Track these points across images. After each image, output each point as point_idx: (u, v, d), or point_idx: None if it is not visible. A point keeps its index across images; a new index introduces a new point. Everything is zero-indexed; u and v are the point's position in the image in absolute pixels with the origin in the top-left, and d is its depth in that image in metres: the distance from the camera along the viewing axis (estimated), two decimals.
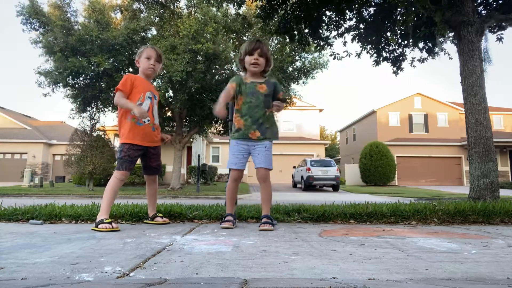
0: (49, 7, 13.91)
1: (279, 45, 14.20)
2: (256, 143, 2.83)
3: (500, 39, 7.03)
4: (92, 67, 13.35)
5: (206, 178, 20.94)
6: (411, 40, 7.87)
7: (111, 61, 13.31)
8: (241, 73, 3.04)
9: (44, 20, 13.44)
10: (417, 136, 27.46)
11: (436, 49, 8.03)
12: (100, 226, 2.62)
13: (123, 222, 3.11)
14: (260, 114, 2.82)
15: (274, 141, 2.94)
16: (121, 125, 2.94)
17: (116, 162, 3.03)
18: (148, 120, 2.93)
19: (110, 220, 2.70)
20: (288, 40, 8.57)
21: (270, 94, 2.88)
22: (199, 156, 15.60)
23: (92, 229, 2.62)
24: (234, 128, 2.88)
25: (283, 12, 7.75)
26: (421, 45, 8.01)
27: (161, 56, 3.09)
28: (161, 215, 3.13)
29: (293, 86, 16.07)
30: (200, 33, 12.86)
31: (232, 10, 13.78)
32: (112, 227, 2.62)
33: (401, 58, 8.36)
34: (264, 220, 2.76)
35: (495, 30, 7.19)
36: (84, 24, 13.80)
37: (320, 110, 32.69)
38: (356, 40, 8.33)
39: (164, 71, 12.66)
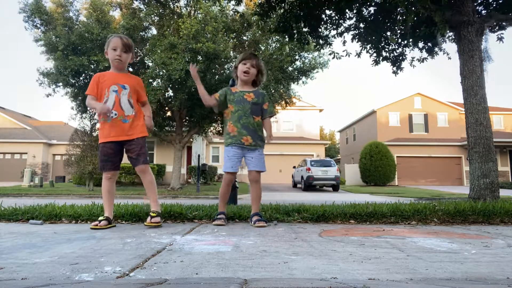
0: (52, 4, 13.92)
1: (278, 45, 14.17)
2: (250, 149, 3.03)
3: (500, 39, 7.01)
4: (92, 66, 13.35)
5: (206, 178, 20.93)
6: (411, 40, 7.86)
7: None
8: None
9: (46, 18, 13.44)
10: (417, 136, 27.45)
11: (436, 49, 8.01)
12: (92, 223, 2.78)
13: (123, 222, 3.11)
14: (249, 121, 3.02)
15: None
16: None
17: None
18: (115, 114, 2.84)
19: (103, 218, 2.78)
20: (287, 38, 8.55)
21: (259, 103, 3.08)
22: (199, 156, 15.58)
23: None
24: (228, 135, 3.06)
25: (282, 10, 7.74)
26: (421, 44, 7.98)
27: (129, 45, 2.92)
28: (154, 214, 2.82)
29: (293, 86, 16.06)
30: (201, 33, 12.85)
31: (231, 7, 13.75)
32: (97, 225, 2.70)
33: (401, 57, 8.34)
34: (256, 218, 2.95)
35: (495, 29, 7.17)
36: (85, 23, 13.79)
37: (320, 110, 32.69)
38: (356, 40, 8.31)
39: (164, 70, 12.64)
